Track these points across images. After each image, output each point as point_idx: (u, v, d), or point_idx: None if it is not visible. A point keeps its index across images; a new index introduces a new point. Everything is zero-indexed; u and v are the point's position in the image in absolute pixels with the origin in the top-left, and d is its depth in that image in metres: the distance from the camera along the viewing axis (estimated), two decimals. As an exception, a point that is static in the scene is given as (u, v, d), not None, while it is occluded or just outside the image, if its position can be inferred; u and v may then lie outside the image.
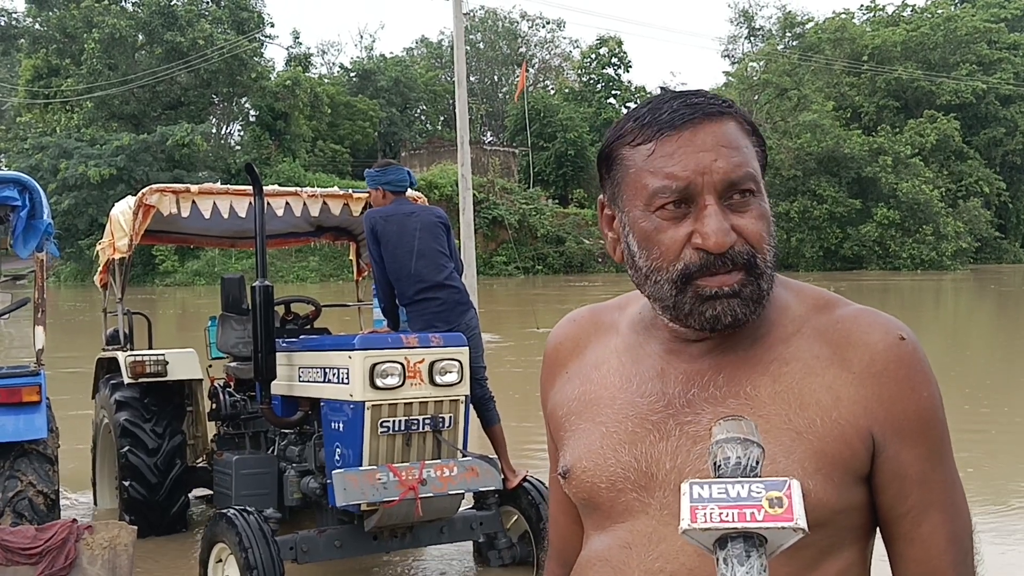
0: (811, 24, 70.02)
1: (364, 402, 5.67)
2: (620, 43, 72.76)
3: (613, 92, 72.91)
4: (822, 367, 1.46)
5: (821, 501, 1.38)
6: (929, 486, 1.46)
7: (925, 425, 1.46)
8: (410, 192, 7.76)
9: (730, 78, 71.85)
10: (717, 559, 1.12)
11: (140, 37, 58.69)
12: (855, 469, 1.43)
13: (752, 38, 75.00)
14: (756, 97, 64.35)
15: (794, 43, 69.72)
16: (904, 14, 71.81)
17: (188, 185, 7.52)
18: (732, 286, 1.42)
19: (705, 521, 1.11)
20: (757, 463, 1.16)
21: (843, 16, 68.91)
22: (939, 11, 69.98)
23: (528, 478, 6.59)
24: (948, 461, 1.49)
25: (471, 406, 6.46)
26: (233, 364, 7.86)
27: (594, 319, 1.71)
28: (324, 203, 7.71)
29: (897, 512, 1.47)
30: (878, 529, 1.52)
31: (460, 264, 6.93)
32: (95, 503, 8.65)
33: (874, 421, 1.43)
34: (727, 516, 1.11)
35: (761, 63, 67.87)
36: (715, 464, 1.17)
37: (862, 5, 73.76)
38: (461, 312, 6.70)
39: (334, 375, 5.93)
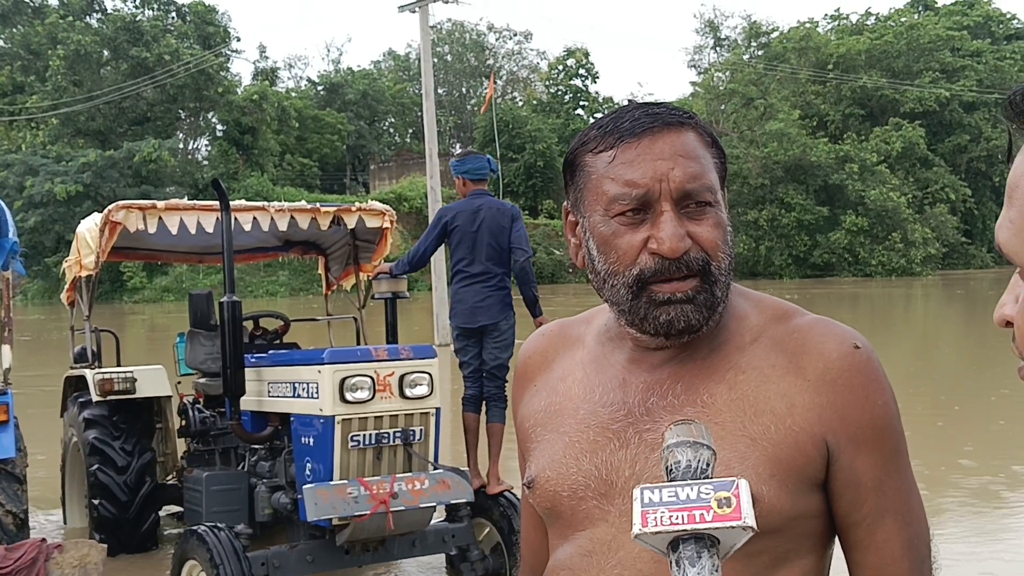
0: (776, 33, 70.47)
1: (334, 416, 5.67)
2: (587, 54, 72.96)
3: (581, 103, 73.08)
4: (777, 375, 1.48)
5: (775, 507, 1.40)
6: (884, 493, 1.48)
7: (879, 433, 1.47)
8: (376, 205, 7.85)
9: (697, 88, 72.16)
10: (670, 562, 1.13)
11: (105, 53, 58.38)
12: (809, 476, 1.45)
13: (718, 48, 75.36)
14: (723, 107, 64.65)
15: (759, 53, 70.13)
16: (868, 23, 72.40)
17: (155, 201, 7.49)
18: (686, 292, 1.45)
19: (656, 525, 1.12)
20: (708, 465, 1.17)
21: (808, 25, 69.38)
22: (902, 19, 70.60)
23: (505, 493, 6.62)
24: (904, 469, 1.51)
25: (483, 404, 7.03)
26: (202, 380, 7.84)
27: (562, 333, 1.74)
28: (292, 217, 7.69)
29: (852, 519, 1.48)
30: (837, 538, 1.53)
31: (525, 251, 7.19)
32: (65, 522, 8.59)
33: (828, 428, 1.45)
34: (677, 519, 1.12)
35: (727, 73, 68.21)
36: (667, 468, 1.18)
37: (826, 14, 74.55)
38: (499, 311, 7.09)
39: (304, 390, 5.93)
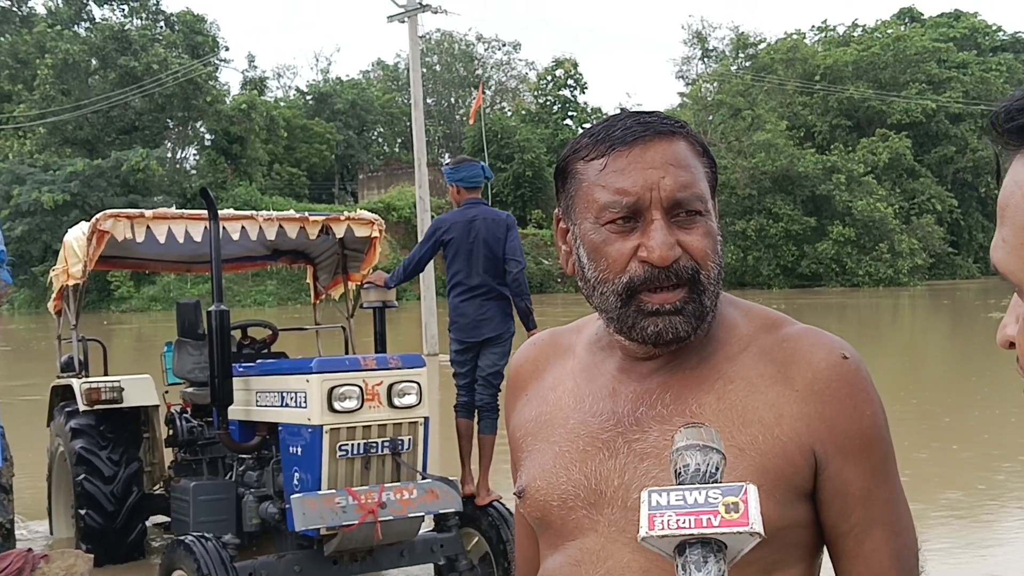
0: (763, 45, 70.68)
1: (322, 426, 5.66)
2: (576, 64, 72.98)
3: (569, 113, 73.09)
4: (766, 385, 1.48)
5: (763, 517, 1.39)
6: (872, 504, 1.47)
7: (867, 443, 1.47)
8: (365, 214, 7.84)
9: (685, 99, 72.31)
10: (676, 566, 1.13)
11: (93, 62, 58.24)
12: (798, 486, 1.45)
13: (706, 59, 75.57)
14: (711, 117, 64.80)
15: (747, 64, 70.33)
16: (855, 34, 72.63)
17: (142, 210, 7.46)
18: (674, 303, 1.45)
19: (663, 528, 1.12)
20: (717, 469, 1.17)
21: (795, 36, 69.61)
22: (889, 31, 70.86)
23: (495, 503, 6.61)
24: (892, 479, 1.50)
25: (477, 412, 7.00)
26: (190, 389, 7.81)
27: (553, 342, 1.74)
28: (280, 227, 7.67)
29: (841, 529, 1.48)
30: (826, 549, 1.53)
31: (519, 262, 7.19)
32: (51, 532, 8.55)
33: (816, 439, 1.45)
34: (684, 522, 1.11)
35: (715, 84, 68.41)
36: (676, 471, 1.18)
37: (813, 25, 74.75)
38: (501, 321, 7.08)
39: (292, 399, 5.92)
